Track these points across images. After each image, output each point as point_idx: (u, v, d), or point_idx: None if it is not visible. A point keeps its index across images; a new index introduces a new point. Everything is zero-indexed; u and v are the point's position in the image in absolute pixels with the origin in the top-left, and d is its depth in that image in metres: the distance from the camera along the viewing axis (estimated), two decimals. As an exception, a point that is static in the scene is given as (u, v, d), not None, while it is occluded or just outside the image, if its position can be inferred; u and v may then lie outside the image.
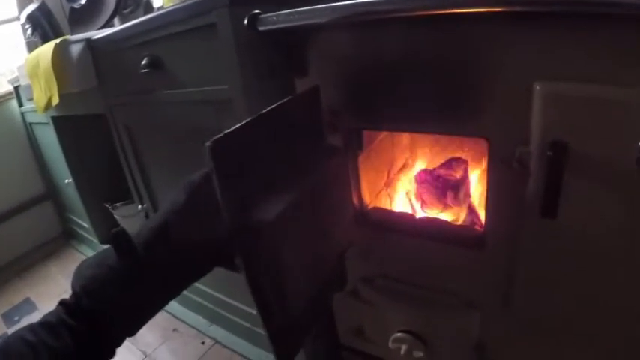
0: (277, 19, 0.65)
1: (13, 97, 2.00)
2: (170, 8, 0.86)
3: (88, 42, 1.14)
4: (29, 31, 1.96)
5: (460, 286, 0.75)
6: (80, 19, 2.02)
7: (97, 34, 1.14)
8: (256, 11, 0.68)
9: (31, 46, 1.93)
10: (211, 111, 0.85)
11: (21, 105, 1.98)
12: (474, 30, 0.56)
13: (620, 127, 0.49)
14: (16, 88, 1.92)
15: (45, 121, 1.73)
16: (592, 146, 0.51)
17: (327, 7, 0.60)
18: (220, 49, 0.77)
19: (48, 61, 1.17)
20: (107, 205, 1.65)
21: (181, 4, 0.83)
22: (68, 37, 1.16)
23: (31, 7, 1.96)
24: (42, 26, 1.96)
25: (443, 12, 0.52)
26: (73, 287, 0.49)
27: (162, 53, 0.92)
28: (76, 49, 1.14)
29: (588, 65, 0.50)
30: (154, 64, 0.94)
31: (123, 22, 2.03)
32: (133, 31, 0.97)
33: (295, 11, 0.63)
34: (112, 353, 0.50)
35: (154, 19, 0.90)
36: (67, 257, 2.04)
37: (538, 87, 0.53)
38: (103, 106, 1.21)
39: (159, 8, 1.77)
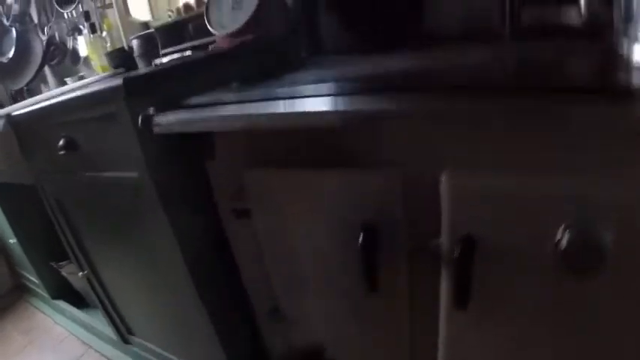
0: (171, 123, 0.69)
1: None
2: (75, 94, 0.88)
3: (9, 118, 1.14)
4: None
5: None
6: (9, 72, 2.00)
7: (17, 109, 1.13)
8: (150, 112, 0.71)
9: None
10: (128, 195, 0.88)
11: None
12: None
13: (531, 218, 0.50)
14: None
15: None
16: (503, 237, 0.52)
17: (220, 116, 0.64)
18: (124, 138, 0.80)
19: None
20: (53, 264, 1.64)
21: (85, 92, 0.85)
22: (-14, 115, 1.15)
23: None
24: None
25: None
26: None
27: (77, 135, 0.94)
28: (-3, 129, 1.13)
29: (495, 157, 0.51)
30: (70, 146, 0.96)
31: (52, 72, 2.01)
32: (45, 111, 0.99)
33: (190, 119, 0.67)
34: None
35: (64, 103, 0.92)
36: (21, 312, 2.00)
37: (444, 178, 0.54)
38: (31, 178, 1.21)
39: (85, 58, 1.77)
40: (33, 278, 1.88)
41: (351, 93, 0.60)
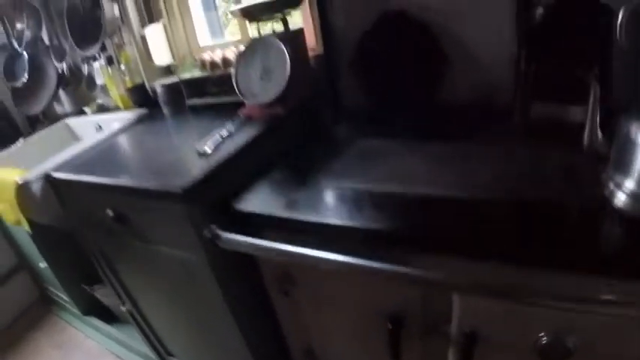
0: (238, 243, 0.77)
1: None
2: (126, 184, 0.94)
3: (48, 178, 1.20)
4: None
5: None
6: (24, 96, 2.02)
7: (55, 168, 1.19)
8: (215, 230, 0.79)
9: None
10: (182, 271, 0.97)
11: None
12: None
13: (521, 326, 0.63)
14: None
15: None
16: (499, 337, 0.66)
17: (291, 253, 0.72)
18: (179, 229, 0.88)
19: (11, 196, 1.22)
20: (86, 287, 1.74)
21: (139, 186, 0.91)
22: (26, 175, 1.20)
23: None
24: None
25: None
26: None
27: (128, 212, 1.01)
28: (36, 187, 1.19)
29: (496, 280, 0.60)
30: (119, 219, 1.03)
31: (68, 96, 2.03)
32: (91, 186, 1.05)
33: (259, 246, 0.75)
34: None
35: (114, 188, 0.98)
36: (51, 326, 2.12)
37: (455, 297, 0.67)
38: (72, 228, 1.29)
39: (102, 86, 1.80)
40: (63, 296, 1.99)
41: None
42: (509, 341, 0.66)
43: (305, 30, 1.16)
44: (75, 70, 1.86)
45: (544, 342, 0.61)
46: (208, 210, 0.83)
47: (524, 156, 0.85)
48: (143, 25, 1.43)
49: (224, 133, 1.01)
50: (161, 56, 1.42)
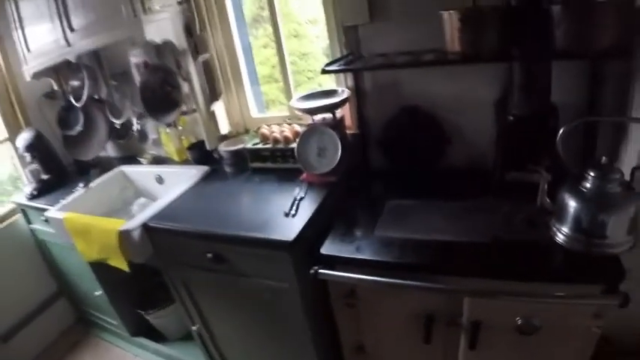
0: (334, 278, 1.17)
1: (18, 213, 2.25)
2: (244, 234, 1.31)
3: (145, 226, 1.54)
4: (28, 158, 2.20)
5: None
6: (76, 144, 2.31)
7: (153, 218, 1.53)
8: (317, 270, 1.19)
9: (35, 174, 2.19)
10: (269, 297, 1.35)
11: (29, 222, 2.23)
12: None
13: (507, 313, 1.09)
14: (23, 209, 2.19)
15: (66, 245, 2.01)
16: (495, 321, 1.11)
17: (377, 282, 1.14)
18: (277, 266, 1.26)
19: (110, 240, 1.55)
20: (141, 312, 2.04)
21: (245, 236, 1.29)
22: (128, 224, 1.54)
23: (26, 137, 2.20)
24: (40, 154, 2.23)
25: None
26: None
27: (227, 254, 1.38)
28: (136, 234, 1.53)
29: (489, 287, 1.08)
30: (217, 259, 1.40)
31: (114, 144, 2.35)
32: (189, 234, 1.41)
33: (346, 276, 1.16)
34: None
35: (224, 237, 1.35)
36: (95, 347, 2.36)
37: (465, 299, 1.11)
38: (157, 264, 1.62)
39: (154, 140, 2.14)
40: (107, 319, 2.26)
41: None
42: (498, 324, 1.10)
43: (345, 116, 1.59)
44: (128, 125, 2.18)
45: (519, 322, 1.07)
46: (303, 254, 1.23)
47: (501, 209, 1.30)
48: (205, 97, 1.80)
49: (297, 196, 1.41)
50: (221, 125, 1.80)
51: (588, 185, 1.00)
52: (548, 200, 1.18)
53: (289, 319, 1.39)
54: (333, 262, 1.23)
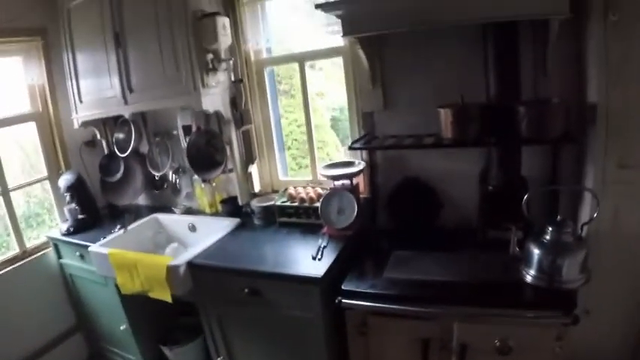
0: (353, 306, 1.48)
1: (49, 247, 2.47)
2: (281, 270, 1.62)
3: (189, 264, 1.82)
4: (68, 198, 2.46)
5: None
6: (112, 190, 2.61)
7: (197, 257, 1.82)
8: (341, 301, 1.50)
9: (72, 213, 2.44)
10: (295, 326, 1.63)
11: (60, 257, 2.46)
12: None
13: (488, 337, 1.39)
14: (55, 243, 2.43)
15: (98, 280, 2.23)
16: (479, 344, 1.40)
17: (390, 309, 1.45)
18: (307, 299, 1.56)
19: (159, 274, 1.81)
20: (163, 347, 2.24)
21: (282, 273, 1.60)
22: (175, 260, 1.82)
23: (68, 178, 2.46)
24: (79, 195, 2.50)
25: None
26: None
27: (262, 288, 1.67)
28: (181, 269, 1.81)
29: (474, 314, 1.39)
30: (253, 293, 1.68)
31: (148, 196, 2.65)
32: (229, 270, 1.71)
33: (366, 305, 1.47)
34: None
35: (263, 273, 1.65)
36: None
37: (455, 325, 1.41)
38: (194, 298, 1.89)
39: (187, 193, 2.46)
40: (129, 355, 2.42)
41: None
42: (481, 347, 1.39)
43: (360, 182, 1.97)
44: (164, 178, 2.51)
45: (498, 344, 1.36)
46: (327, 289, 1.54)
47: (483, 258, 1.65)
48: (241, 160, 2.17)
49: (321, 244, 1.74)
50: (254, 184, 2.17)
51: (548, 237, 1.36)
52: (518, 250, 1.55)
53: (309, 346, 1.65)
54: (352, 295, 1.54)
